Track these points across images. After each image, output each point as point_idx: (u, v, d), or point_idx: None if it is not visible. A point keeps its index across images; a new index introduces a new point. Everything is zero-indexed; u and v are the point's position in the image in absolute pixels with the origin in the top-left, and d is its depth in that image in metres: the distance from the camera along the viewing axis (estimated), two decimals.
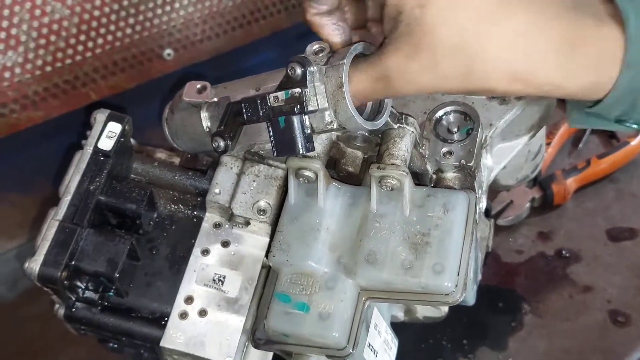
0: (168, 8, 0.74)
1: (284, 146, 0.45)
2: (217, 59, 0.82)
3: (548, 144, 0.81)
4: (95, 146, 0.48)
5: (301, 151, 0.45)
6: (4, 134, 0.69)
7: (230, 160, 0.52)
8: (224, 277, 0.50)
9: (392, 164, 0.47)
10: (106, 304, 0.50)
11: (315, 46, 0.46)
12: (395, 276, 0.46)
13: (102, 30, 0.70)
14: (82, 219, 0.47)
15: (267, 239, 0.51)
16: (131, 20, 0.72)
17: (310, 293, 0.47)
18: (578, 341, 0.63)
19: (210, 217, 0.52)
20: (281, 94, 0.46)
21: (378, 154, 0.50)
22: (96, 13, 0.69)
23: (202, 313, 0.49)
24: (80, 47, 0.70)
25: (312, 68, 0.45)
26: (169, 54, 0.76)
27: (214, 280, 0.50)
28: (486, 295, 0.68)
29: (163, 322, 0.49)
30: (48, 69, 0.69)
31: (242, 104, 0.47)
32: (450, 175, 0.51)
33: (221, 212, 0.52)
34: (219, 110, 0.50)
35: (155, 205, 0.53)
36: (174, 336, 0.49)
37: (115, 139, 0.49)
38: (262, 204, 0.50)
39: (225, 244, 0.51)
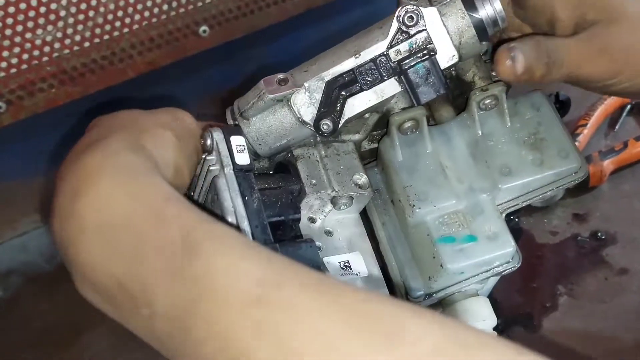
0: None
1: (427, 91, 0.49)
2: (251, 36, 0.82)
3: (584, 125, 0.80)
4: (235, 164, 0.44)
5: (443, 91, 0.49)
6: (42, 109, 0.70)
7: (304, 151, 0.51)
8: (348, 262, 0.50)
9: (487, 84, 0.53)
10: None
11: None
12: (534, 176, 0.52)
13: (139, 6, 0.70)
14: (269, 238, 0.44)
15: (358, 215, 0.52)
16: None
17: (468, 224, 0.51)
18: (613, 323, 0.63)
19: (303, 215, 0.51)
20: (403, 46, 0.49)
21: (464, 84, 0.55)
22: None
23: None
24: (117, 23, 0.70)
25: (423, 12, 0.48)
26: (204, 31, 0.76)
27: (342, 268, 0.49)
28: (520, 276, 0.68)
29: None
30: (86, 44, 0.69)
31: (356, 74, 0.48)
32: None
33: (319, 203, 0.50)
34: (311, 95, 0.50)
35: None
36: None
37: (246, 152, 0.46)
38: (358, 177, 0.51)
39: (329, 233, 0.51)
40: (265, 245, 0.40)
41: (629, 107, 0.85)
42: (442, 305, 0.53)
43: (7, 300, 0.70)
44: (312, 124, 0.50)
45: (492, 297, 0.66)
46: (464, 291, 0.52)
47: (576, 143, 0.78)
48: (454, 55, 0.49)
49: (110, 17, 0.69)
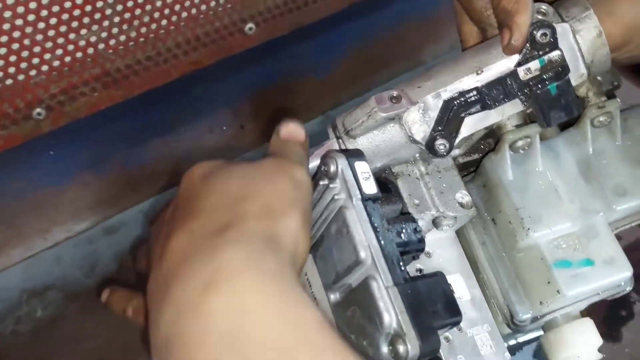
0: None
1: (559, 112, 0.46)
2: (294, 33, 0.77)
3: None
4: (363, 194, 0.41)
5: (577, 113, 0.47)
6: (84, 114, 0.65)
7: (404, 168, 0.48)
8: (449, 285, 0.47)
9: (603, 101, 0.50)
10: None
11: (543, 7, 0.46)
12: None
13: (187, 3, 0.66)
14: (404, 275, 0.40)
15: (454, 233, 0.49)
16: None
17: (584, 248, 0.48)
18: None
19: None
20: (534, 64, 0.45)
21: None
22: None
23: (459, 328, 0.46)
24: (164, 21, 0.65)
25: (556, 28, 0.45)
26: (250, 29, 0.72)
27: None
28: None
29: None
30: (131, 44, 0.64)
31: (480, 92, 0.45)
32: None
33: (420, 224, 0.47)
34: (425, 113, 0.46)
35: None
36: None
37: (371, 179, 0.42)
38: (461, 196, 0.47)
39: (427, 254, 0.48)
40: (412, 285, 0.38)
41: None
42: (545, 327, 0.51)
43: (49, 320, 0.65)
44: (424, 144, 0.46)
45: None
46: (568, 312, 0.50)
47: None
48: (583, 74, 0.46)
49: (156, 14, 0.64)
